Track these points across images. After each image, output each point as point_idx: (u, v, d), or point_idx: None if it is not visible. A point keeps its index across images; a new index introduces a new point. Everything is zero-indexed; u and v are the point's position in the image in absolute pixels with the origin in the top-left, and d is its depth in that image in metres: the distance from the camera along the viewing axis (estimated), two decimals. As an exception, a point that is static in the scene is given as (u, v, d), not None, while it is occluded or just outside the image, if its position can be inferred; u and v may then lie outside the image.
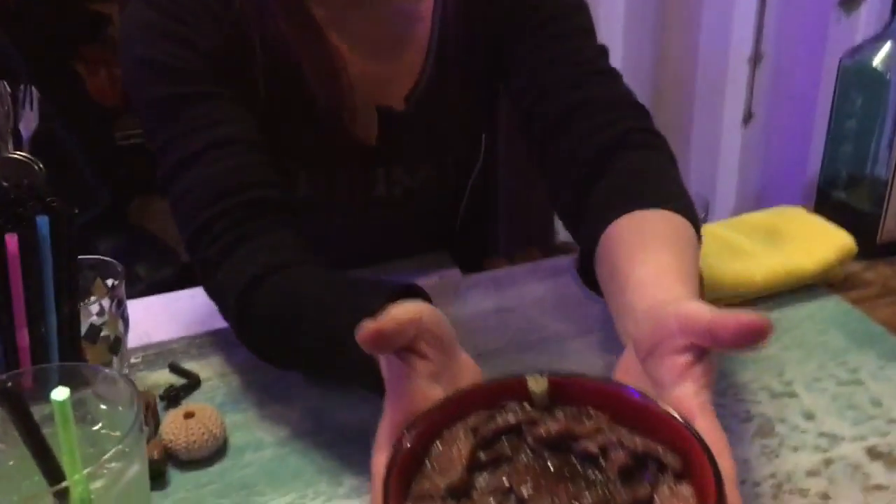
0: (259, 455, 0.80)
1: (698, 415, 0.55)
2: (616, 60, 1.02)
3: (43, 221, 0.59)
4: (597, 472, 0.54)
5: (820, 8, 2.08)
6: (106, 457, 0.39)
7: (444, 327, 0.63)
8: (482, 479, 0.54)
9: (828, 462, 0.75)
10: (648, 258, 0.73)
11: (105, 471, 0.39)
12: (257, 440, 0.82)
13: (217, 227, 0.86)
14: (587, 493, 0.53)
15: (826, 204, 1.10)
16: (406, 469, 0.54)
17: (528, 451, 0.56)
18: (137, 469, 0.41)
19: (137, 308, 1.00)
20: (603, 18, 2.04)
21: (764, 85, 2.19)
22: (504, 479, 0.54)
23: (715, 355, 0.59)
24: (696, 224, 0.81)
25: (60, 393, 0.39)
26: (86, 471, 0.37)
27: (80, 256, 0.73)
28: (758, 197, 2.25)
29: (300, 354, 0.82)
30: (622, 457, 0.54)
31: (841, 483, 0.73)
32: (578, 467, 0.55)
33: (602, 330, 0.96)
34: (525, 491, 0.52)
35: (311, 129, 1.04)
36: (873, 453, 0.76)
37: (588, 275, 0.85)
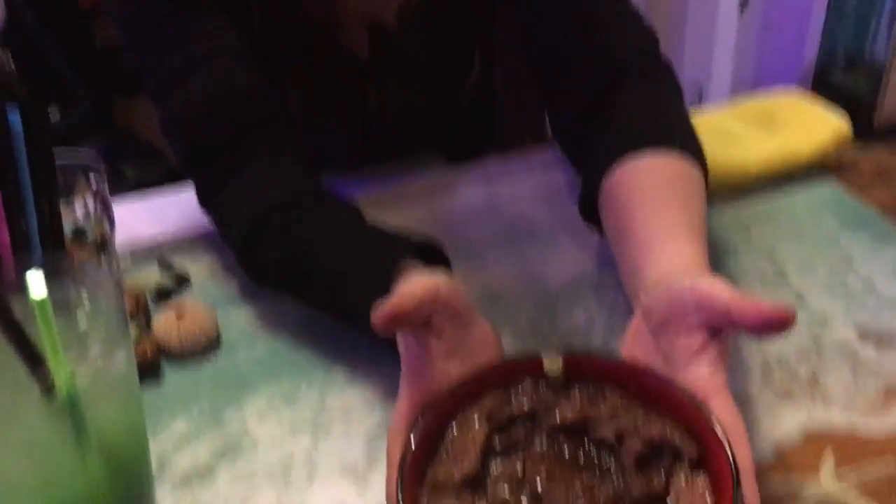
0: (252, 350, 0.80)
1: (713, 397, 0.55)
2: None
3: (14, 114, 0.57)
4: (612, 460, 0.54)
5: None
6: (90, 345, 0.39)
7: (461, 299, 0.61)
8: (496, 467, 0.54)
9: (818, 343, 0.76)
10: (654, 213, 0.71)
11: (89, 361, 0.38)
12: (250, 336, 0.82)
13: (216, 144, 0.83)
14: (602, 483, 0.52)
15: (822, 86, 1.08)
16: (421, 455, 0.54)
17: (543, 437, 0.56)
18: (124, 359, 0.40)
19: (124, 208, 0.99)
20: None
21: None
22: (518, 466, 0.54)
23: (730, 335, 0.58)
24: (704, 164, 0.78)
25: (38, 288, 0.38)
26: (70, 359, 0.37)
27: (58, 150, 0.71)
28: (754, 81, 2.21)
29: (309, 303, 0.80)
30: (637, 445, 0.53)
31: (830, 364, 0.73)
32: (593, 455, 0.55)
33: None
34: (539, 484, 0.52)
35: (302, 47, 1.00)
36: (864, 334, 0.76)
37: (590, 213, 0.83)
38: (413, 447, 0.53)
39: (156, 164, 1.99)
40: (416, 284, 0.58)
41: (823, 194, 0.95)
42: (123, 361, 0.40)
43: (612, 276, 0.86)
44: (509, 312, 0.83)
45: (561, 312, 0.82)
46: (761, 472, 0.64)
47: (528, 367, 0.58)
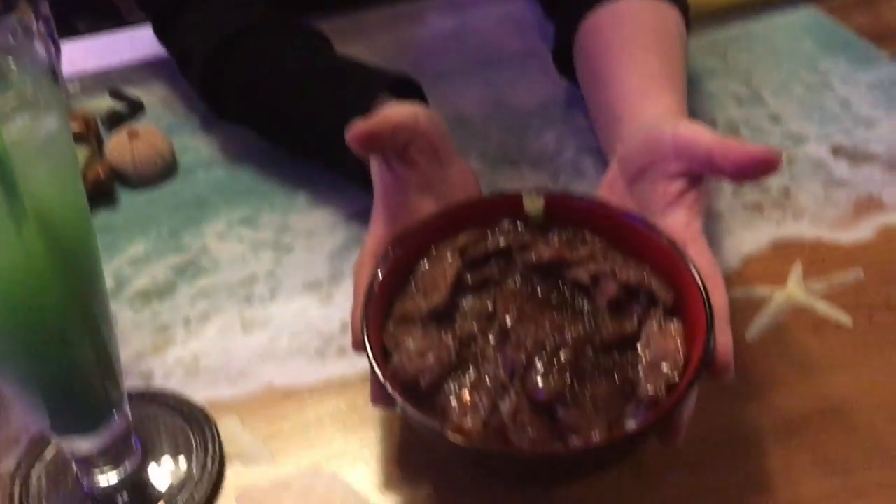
0: (211, 173, 0.78)
1: (690, 244, 0.52)
2: None
3: None
4: (585, 302, 0.52)
5: None
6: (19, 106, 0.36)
7: (440, 133, 0.57)
8: (466, 302, 0.52)
9: (791, 160, 0.74)
10: (632, 62, 0.66)
11: (17, 120, 0.36)
12: (208, 160, 0.79)
13: None
14: (573, 323, 0.50)
15: None
16: (389, 287, 0.52)
17: (517, 275, 0.53)
18: (55, 124, 0.37)
19: (74, 47, 0.94)
20: None
21: None
22: (488, 302, 0.51)
23: (709, 182, 0.55)
24: (685, 8, 0.73)
25: None
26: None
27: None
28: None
29: (272, 136, 0.77)
30: (613, 288, 0.51)
31: (803, 179, 0.72)
32: (567, 295, 0.52)
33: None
34: (509, 319, 0.50)
35: None
36: (837, 151, 0.75)
37: (565, 64, 0.78)
38: (381, 277, 0.51)
39: (109, 18, 1.90)
40: (395, 110, 0.54)
41: (802, 18, 0.92)
42: (55, 123, 0.37)
43: (582, 100, 0.83)
44: (476, 136, 0.80)
45: (530, 135, 0.80)
46: (729, 281, 0.63)
47: (507, 205, 0.56)
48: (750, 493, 0.51)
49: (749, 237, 0.67)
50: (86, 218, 0.41)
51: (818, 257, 0.66)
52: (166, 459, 0.55)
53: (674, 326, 0.50)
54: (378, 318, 0.51)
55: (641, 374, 0.48)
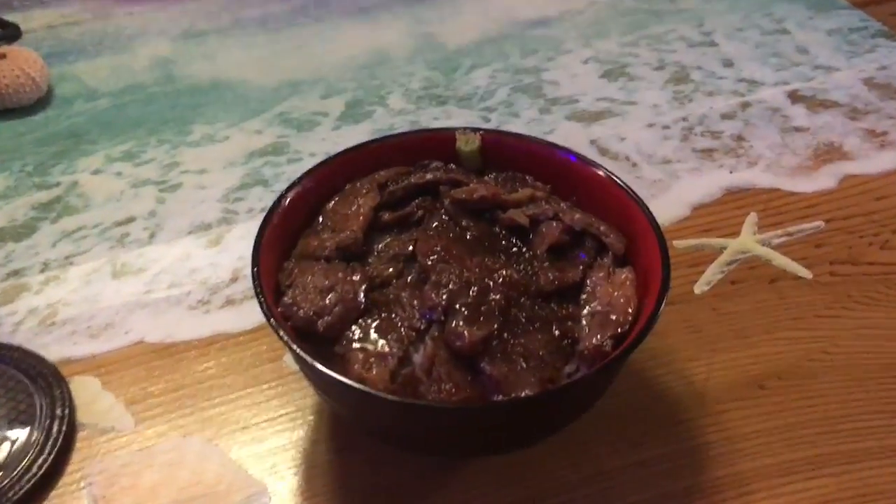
0: (92, 104, 0.68)
1: None
2: None
3: None
4: (523, 248, 0.43)
5: None
6: None
7: None
8: (382, 243, 0.43)
9: (745, 105, 0.67)
10: None
11: None
12: (90, 90, 0.69)
13: None
14: (505, 268, 0.42)
15: None
16: (292, 220, 0.43)
17: (444, 216, 0.44)
18: None
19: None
20: None
21: None
22: (408, 243, 0.43)
23: None
24: None
25: None
26: None
27: None
28: None
29: None
30: (555, 231, 0.43)
31: (758, 125, 0.65)
32: (501, 239, 0.44)
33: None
34: (428, 259, 0.42)
35: None
36: (795, 97, 0.68)
37: None
38: (282, 206, 0.43)
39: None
40: None
41: (758, -36, 0.85)
42: None
43: (519, 39, 0.75)
44: (400, 73, 0.71)
45: (459, 73, 0.71)
46: (677, 232, 0.56)
47: (436, 144, 0.47)
48: (694, 468, 0.44)
49: (699, 185, 0.60)
50: None
51: (775, 207, 0.59)
52: (3, 425, 0.45)
53: (624, 275, 0.42)
54: (274, 253, 0.42)
55: (585, 326, 0.40)
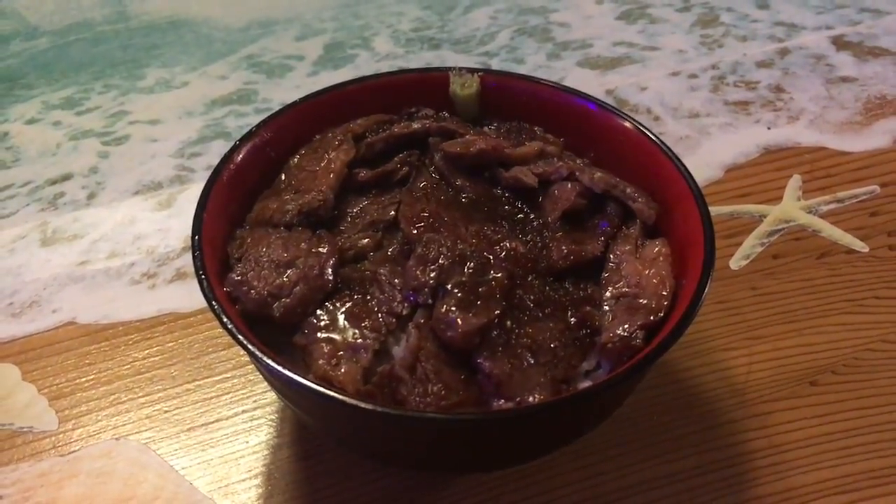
0: (31, 43, 0.59)
1: None
2: None
3: None
4: (530, 214, 0.35)
5: None
6: None
7: None
8: (358, 206, 0.35)
9: (784, 52, 0.59)
10: None
11: None
12: (30, 27, 0.60)
13: None
14: (509, 238, 0.33)
15: None
16: (247, 178, 0.35)
17: (434, 174, 0.36)
18: None
19: None
20: None
21: None
22: (390, 208, 0.35)
23: None
24: None
25: None
26: None
27: None
28: None
29: None
30: (570, 194, 0.35)
31: (799, 75, 0.57)
32: (504, 203, 0.36)
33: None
34: (414, 228, 0.34)
35: None
36: (840, 43, 0.59)
37: None
38: (234, 162, 0.34)
39: None
40: None
41: None
42: None
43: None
44: (387, 12, 0.62)
45: (455, 13, 0.62)
46: (709, 197, 0.48)
47: (427, 85, 0.39)
48: (736, 482, 0.36)
49: (733, 142, 0.52)
50: None
51: (821, 169, 0.51)
52: None
53: (657, 248, 0.34)
54: (223, 218, 0.34)
55: (608, 312, 0.32)
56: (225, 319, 0.30)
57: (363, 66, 0.58)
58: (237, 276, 0.32)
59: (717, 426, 0.38)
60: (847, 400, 0.39)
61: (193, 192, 0.48)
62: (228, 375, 0.40)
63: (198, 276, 0.31)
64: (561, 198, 0.35)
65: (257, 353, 0.29)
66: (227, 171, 0.35)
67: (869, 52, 0.59)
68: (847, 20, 0.61)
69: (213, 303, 0.30)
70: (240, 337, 0.29)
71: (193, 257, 0.31)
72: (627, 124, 0.37)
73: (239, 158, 0.35)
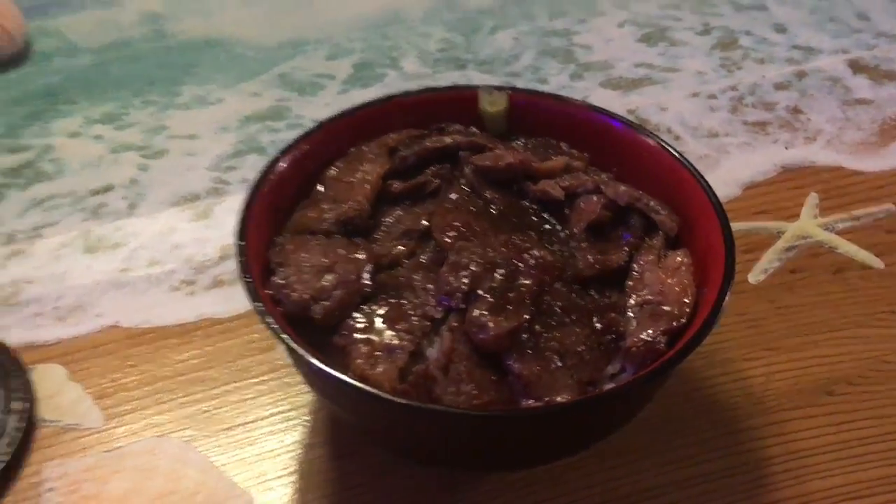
0: (73, 61, 0.62)
1: None
2: None
3: None
4: (557, 225, 0.37)
5: None
6: None
7: None
8: (392, 217, 0.37)
9: (801, 75, 0.60)
10: None
11: None
12: (71, 45, 0.63)
13: None
14: (536, 248, 0.35)
15: None
16: (287, 189, 0.37)
17: (464, 186, 0.38)
18: None
19: None
20: None
21: None
22: (422, 218, 0.36)
23: None
24: None
25: None
26: None
27: None
28: None
29: None
30: (595, 206, 0.36)
31: (816, 97, 0.58)
32: (532, 215, 0.37)
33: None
34: (446, 236, 0.35)
35: None
36: (856, 66, 0.61)
37: None
38: (275, 172, 0.36)
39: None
40: None
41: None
42: None
43: (547, -2, 0.68)
44: (415, 34, 0.64)
45: (481, 35, 0.64)
46: (729, 213, 0.49)
47: (457, 103, 0.41)
48: (755, 485, 0.37)
49: (751, 161, 0.54)
50: None
51: (838, 188, 0.52)
52: (-50, 418, 0.39)
53: (679, 259, 0.35)
54: (264, 226, 0.36)
55: (632, 319, 0.34)
56: (269, 320, 0.31)
57: (392, 84, 0.60)
58: (279, 279, 0.34)
59: (737, 432, 0.39)
60: (862, 409, 0.40)
61: (229, 203, 0.50)
62: (265, 378, 0.41)
63: (243, 279, 0.33)
64: (586, 210, 0.37)
65: (300, 350, 0.30)
66: (268, 182, 0.37)
67: (884, 76, 0.60)
68: (863, 44, 0.63)
69: (258, 304, 0.32)
70: (283, 336, 0.31)
71: (238, 262, 0.33)
72: (650, 141, 0.39)
73: (279, 170, 0.37)
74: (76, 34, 0.64)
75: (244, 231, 0.34)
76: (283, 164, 0.37)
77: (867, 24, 0.65)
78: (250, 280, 0.33)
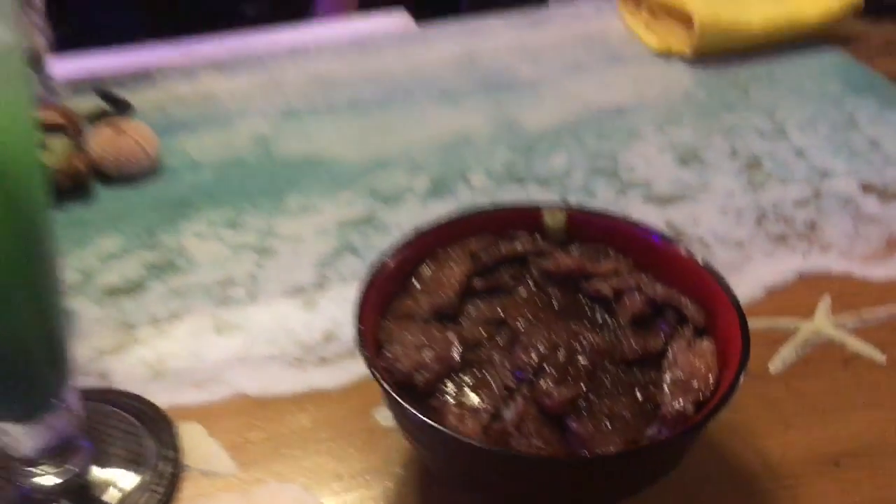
0: (196, 175, 0.73)
1: None
2: None
3: None
4: (607, 317, 0.46)
5: None
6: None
7: None
8: (474, 308, 0.47)
9: (817, 194, 0.69)
10: None
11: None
12: (195, 163, 0.74)
13: None
14: (590, 334, 0.45)
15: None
16: (390, 284, 0.47)
17: (532, 283, 0.48)
18: (6, 34, 0.32)
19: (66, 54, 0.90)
20: None
21: None
22: (499, 308, 0.46)
23: None
24: None
25: None
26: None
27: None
28: None
29: None
30: (637, 302, 0.46)
31: (830, 213, 0.67)
32: (587, 309, 0.47)
33: (576, 73, 0.88)
34: (520, 324, 0.45)
35: None
36: (867, 187, 0.70)
37: None
38: (382, 270, 0.46)
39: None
40: None
41: (828, 60, 0.88)
42: (6, 33, 0.32)
43: (596, 124, 0.79)
44: (482, 155, 0.75)
45: (538, 156, 0.75)
46: (752, 312, 0.58)
47: (524, 218, 0.51)
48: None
49: (773, 268, 0.62)
50: (34, 155, 0.36)
51: (848, 292, 0.60)
52: (117, 464, 0.48)
53: (705, 345, 0.44)
54: (374, 312, 0.45)
55: (667, 392, 0.42)
56: (384, 385, 0.41)
57: (462, 197, 0.70)
58: (389, 354, 0.43)
59: (754, 494, 0.47)
60: (864, 479, 0.48)
61: (331, 295, 0.60)
62: (365, 437, 0.50)
63: (362, 353, 0.42)
64: (630, 305, 0.46)
65: (408, 408, 0.39)
66: (378, 278, 0.46)
67: (892, 196, 0.69)
68: (873, 168, 0.72)
69: (374, 371, 0.41)
70: (394, 395, 0.40)
71: (357, 340, 0.42)
72: (682, 251, 0.48)
73: (385, 269, 0.47)
74: (199, 153, 0.75)
75: (361, 316, 0.44)
76: (389, 264, 0.47)
77: (877, 151, 0.74)
78: (368, 355, 0.42)
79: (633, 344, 0.45)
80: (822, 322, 0.58)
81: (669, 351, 0.44)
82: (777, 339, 0.56)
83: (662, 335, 0.45)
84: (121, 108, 0.80)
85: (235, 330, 0.58)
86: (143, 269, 0.62)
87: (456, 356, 0.43)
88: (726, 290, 0.46)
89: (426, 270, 0.48)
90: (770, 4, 0.91)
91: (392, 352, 0.43)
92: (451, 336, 0.44)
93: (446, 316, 0.46)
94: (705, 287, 0.46)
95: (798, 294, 0.60)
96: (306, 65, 0.89)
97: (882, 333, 0.57)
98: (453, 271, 0.48)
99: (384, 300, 0.47)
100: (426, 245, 0.49)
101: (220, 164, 0.74)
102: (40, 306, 0.40)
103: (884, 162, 0.73)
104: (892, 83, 0.84)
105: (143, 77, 0.86)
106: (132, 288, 0.61)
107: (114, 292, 0.60)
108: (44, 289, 0.40)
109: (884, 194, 0.69)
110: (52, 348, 0.42)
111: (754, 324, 0.55)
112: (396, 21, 1.07)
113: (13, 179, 0.35)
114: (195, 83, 0.86)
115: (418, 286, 0.48)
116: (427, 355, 0.43)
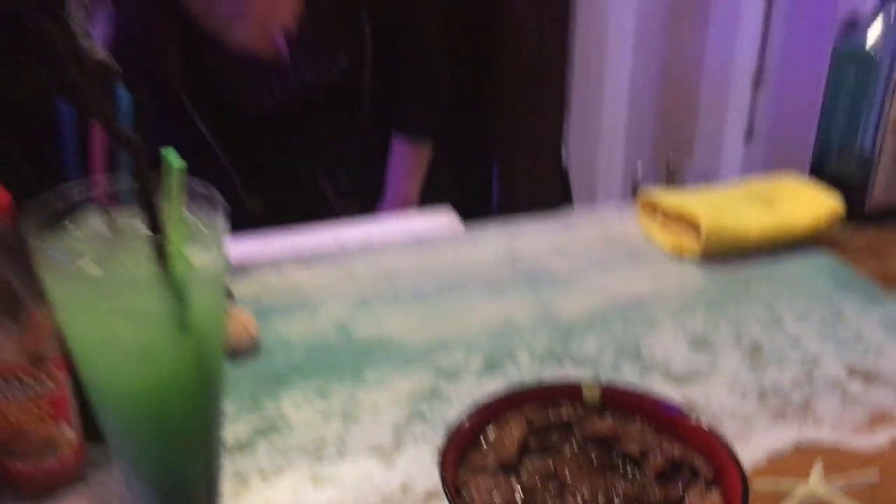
0: (288, 354, 0.87)
1: None
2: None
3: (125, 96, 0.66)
4: (636, 471, 0.60)
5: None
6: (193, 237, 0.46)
7: None
8: (530, 462, 0.60)
9: (810, 376, 0.82)
10: None
11: (193, 247, 0.46)
12: (287, 343, 0.89)
13: None
14: (623, 485, 0.58)
15: (820, 175, 1.17)
16: (463, 444, 0.60)
17: (575, 444, 0.61)
18: (218, 257, 0.48)
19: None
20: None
21: (765, 102, 2.30)
22: (550, 463, 0.59)
23: None
24: None
25: (176, 160, 0.46)
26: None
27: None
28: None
29: None
30: (660, 460, 0.59)
31: (822, 393, 0.80)
32: (619, 465, 0.60)
33: (602, 269, 1.03)
34: (568, 476, 0.58)
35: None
36: (853, 371, 0.83)
37: None
38: (457, 433, 0.60)
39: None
40: None
41: (818, 261, 1.04)
42: (217, 259, 0.48)
43: (621, 314, 0.93)
44: (526, 338, 0.90)
45: (573, 340, 0.89)
46: (755, 474, 0.70)
47: (567, 391, 0.65)
48: None
49: (774, 438, 0.74)
50: (221, 340, 0.51)
51: (837, 458, 0.72)
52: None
53: (714, 495, 0.56)
54: (453, 465, 0.58)
55: None
56: (465, 520, 0.53)
57: (510, 373, 0.84)
58: (466, 497, 0.56)
59: None
60: None
61: (406, 454, 0.73)
62: (439, 572, 0.62)
63: (447, 495, 0.55)
64: (654, 463, 0.59)
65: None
66: (456, 439, 0.60)
67: (874, 379, 0.82)
68: (859, 355, 0.85)
69: (456, 509, 0.54)
70: (475, 530, 0.52)
71: (443, 486, 0.55)
72: (694, 421, 0.61)
73: (461, 430, 0.60)
74: (290, 334, 0.90)
75: (444, 465, 0.57)
76: (465, 425, 0.60)
77: (861, 340, 0.88)
78: (451, 495, 0.55)
79: (657, 493, 0.57)
80: (816, 484, 0.69)
81: (686, 499, 0.57)
82: (777, 497, 0.68)
83: (680, 486, 0.58)
84: (227, 296, 0.96)
85: (328, 482, 0.70)
86: (251, 430, 0.76)
87: (518, 500, 0.56)
88: (730, 450, 0.58)
89: (491, 432, 0.62)
90: (766, 213, 1.07)
91: (468, 495, 0.56)
92: (514, 484, 0.57)
93: (509, 468, 0.59)
94: (714, 448, 0.59)
95: (795, 460, 0.72)
96: (375, 260, 1.06)
97: (867, 494, 0.68)
98: (513, 433, 0.61)
99: (459, 455, 0.60)
100: (491, 412, 0.63)
101: (309, 344, 0.89)
102: (208, 455, 0.54)
103: (866, 349, 0.86)
104: (874, 281, 0.99)
105: (239, 270, 1.03)
106: (243, 445, 0.74)
107: (230, 449, 0.74)
108: (214, 439, 0.53)
109: (867, 377, 0.82)
110: (210, 490, 0.55)
111: (758, 485, 0.68)
112: (444, 220, 1.25)
113: (209, 358, 0.49)
114: (283, 275, 1.02)
115: (485, 445, 0.61)
116: (497, 499, 0.56)
